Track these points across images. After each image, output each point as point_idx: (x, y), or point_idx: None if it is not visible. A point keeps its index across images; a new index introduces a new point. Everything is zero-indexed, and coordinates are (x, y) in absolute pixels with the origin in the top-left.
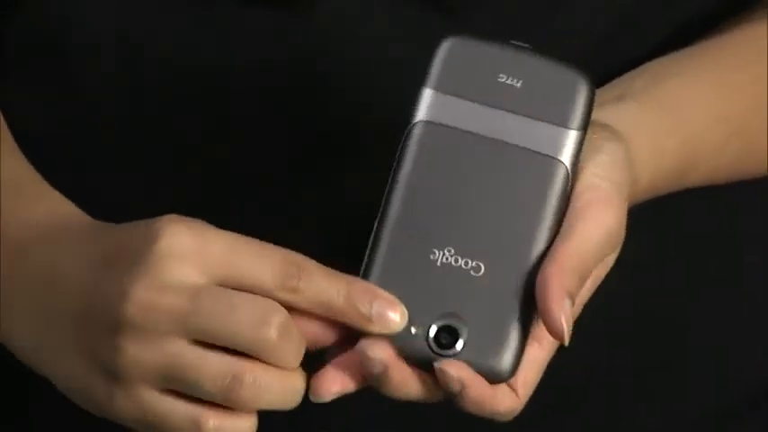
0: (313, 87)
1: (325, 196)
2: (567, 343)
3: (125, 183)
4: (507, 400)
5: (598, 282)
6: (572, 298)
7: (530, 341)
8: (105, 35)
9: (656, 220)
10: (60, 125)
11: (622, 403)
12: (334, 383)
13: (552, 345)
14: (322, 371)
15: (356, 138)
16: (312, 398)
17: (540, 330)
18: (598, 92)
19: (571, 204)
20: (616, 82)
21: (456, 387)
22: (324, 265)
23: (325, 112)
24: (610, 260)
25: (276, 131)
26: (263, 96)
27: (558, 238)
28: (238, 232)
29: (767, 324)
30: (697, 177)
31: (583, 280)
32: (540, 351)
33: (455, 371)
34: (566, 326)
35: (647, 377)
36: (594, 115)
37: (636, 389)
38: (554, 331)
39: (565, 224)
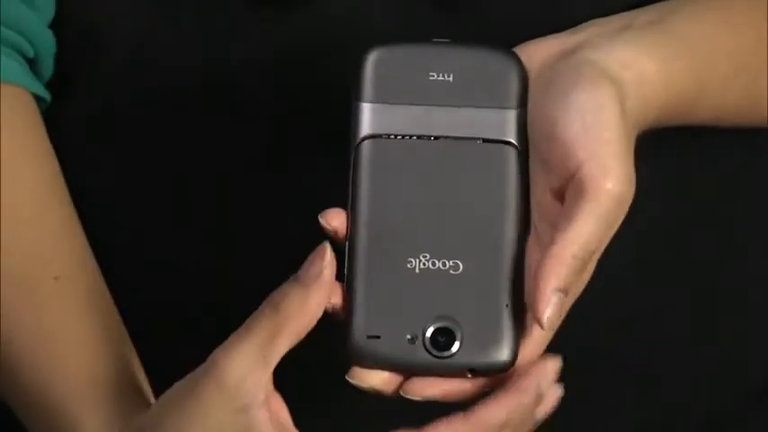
0: (313, 87)
1: (327, 193)
2: (547, 330)
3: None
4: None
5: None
6: (566, 290)
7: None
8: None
9: (660, 212)
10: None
11: (621, 396)
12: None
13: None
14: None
15: None
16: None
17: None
18: (599, 23)
19: (569, 186)
20: (619, 15)
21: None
22: None
23: (326, 110)
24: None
25: (276, 129)
26: (260, 94)
27: (559, 226)
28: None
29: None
30: (707, 109)
31: (585, 261)
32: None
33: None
34: (546, 321)
35: (648, 369)
36: (589, 54)
37: (636, 382)
38: (540, 324)
39: (564, 208)
